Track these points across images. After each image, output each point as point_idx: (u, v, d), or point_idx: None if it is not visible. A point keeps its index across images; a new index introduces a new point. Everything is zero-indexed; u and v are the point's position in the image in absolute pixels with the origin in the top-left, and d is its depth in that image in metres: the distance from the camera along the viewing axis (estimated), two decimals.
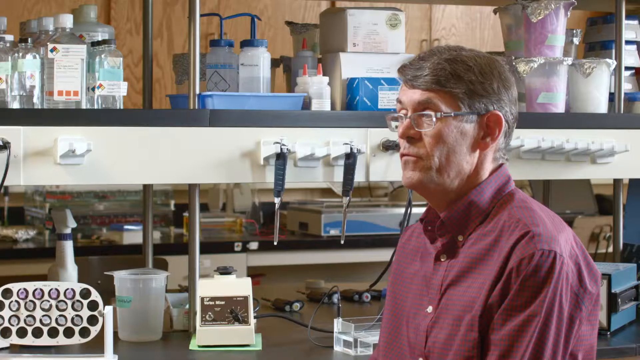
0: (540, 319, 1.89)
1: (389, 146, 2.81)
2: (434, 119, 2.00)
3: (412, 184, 2.04)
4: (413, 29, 5.70)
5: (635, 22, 3.29)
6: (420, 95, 2.02)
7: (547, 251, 1.91)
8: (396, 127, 2.08)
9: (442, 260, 2.05)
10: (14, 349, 2.61)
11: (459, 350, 1.95)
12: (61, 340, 2.57)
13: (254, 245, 5.00)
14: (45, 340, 2.57)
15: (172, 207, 5.22)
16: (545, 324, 1.89)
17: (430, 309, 2.03)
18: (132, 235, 4.72)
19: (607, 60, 3.09)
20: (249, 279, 2.74)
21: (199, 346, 2.65)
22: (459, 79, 2.00)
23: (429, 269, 2.07)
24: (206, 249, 4.85)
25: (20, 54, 2.59)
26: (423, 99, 2.01)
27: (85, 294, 2.58)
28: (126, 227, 4.85)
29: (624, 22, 3.15)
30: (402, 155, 2.05)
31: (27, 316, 2.57)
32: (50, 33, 2.66)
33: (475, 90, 2.00)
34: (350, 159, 2.77)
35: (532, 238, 1.92)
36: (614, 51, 3.19)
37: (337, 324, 2.68)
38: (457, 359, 1.95)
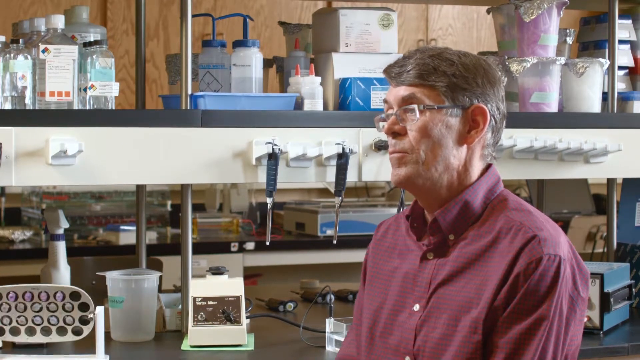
0: (548, 322, 1.90)
1: (381, 146, 2.81)
2: (417, 112, 2.01)
3: (399, 180, 2.04)
4: (409, 29, 5.70)
5: (629, 21, 3.29)
6: (404, 91, 2.03)
7: (553, 255, 1.92)
8: (384, 127, 2.09)
9: (429, 258, 2.05)
10: (6, 348, 2.62)
11: (459, 352, 1.94)
12: (54, 337, 2.57)
13: (250, 245, 5.00)
14: (38, 338, 2.57)
15: (169, 208, 5.23)
16: (551, 328, 1.90)
17: (417, 307, 2.02)
18: (129, 235, 4.72)
19: (600, 59, 3.09)
20: (241, 279, 2.75)
21: (191, 346, 2.65)
22: (441, 74, 2.01)
23: (412, 267, 2.06)
24: (203, 249, 4.87)
25: (12, 55, 2.60)
26: (407, 94, 2.03)
27: (75, 296, 2.58)
28: (122, 227, 4.85)
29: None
30: (390, 153, 2.06)
31: (19, 316, 2.57)
32: (42, 34, 2.67)
33: (458, 83, 2.01)
34: (342, 159, 2.77)
35: (538, 242, 1.93)
36: (607, 50, 3.19)
37: (329, 323, 2.68)
38: None
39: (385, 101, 2.08)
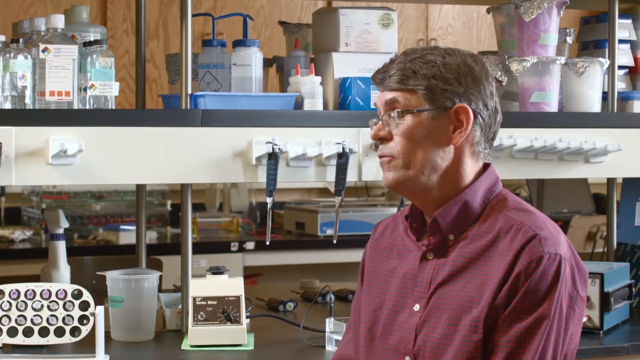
0: (549, 321, 1.90)
1: None
2: (396, 117, 2.02)
3: (389, 185, 2.05)
4: (409, 29, 5.70)
5: (629, 21, 3.29)
6: (388, 96, 2.05)
7: (554, 254, 1.92)
8: None
9: (429, 258, 2.05)
10: (6, 348, 2.62)
11: (460, 351, 1.94)
12: (52, 339, 2.57)
13: (250, 245, 5.00)
14: (35, 340, 2.57)
15: (169, 207, 5.23)
16: (551, 326, 1.91)
17: (417, 307, 2.02)
18: (129, 235, 4.72)
19: (600, 59, 3.09)
20: (241, 279, 2.75)
21: (191, 346, 2.65)
22: (421, 77, 2.01)
23: (412, 267, 2.06)
24: (203, 248, 4.87)
25: (12, 55, 2.60)
26: (390, 99, 2.04)
27: (77, 294, 2.58)
28: (122, 227, 4.85)
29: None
30: (378, 157, 2.07)
31: (19, 316, 2.57)
32: (42, 33, 2.67)
33: (438, 85, 2.01)
34: (342, 158, 2.77)
35: (539, 242, 1.93)
36: (607, 50, 3.19)
37: (329, 323, 2.69)
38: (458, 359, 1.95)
39: (375, 105, 2.10)
